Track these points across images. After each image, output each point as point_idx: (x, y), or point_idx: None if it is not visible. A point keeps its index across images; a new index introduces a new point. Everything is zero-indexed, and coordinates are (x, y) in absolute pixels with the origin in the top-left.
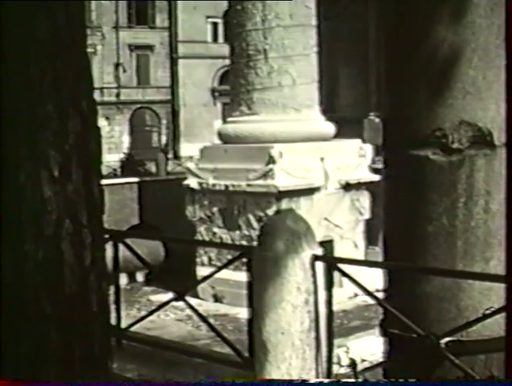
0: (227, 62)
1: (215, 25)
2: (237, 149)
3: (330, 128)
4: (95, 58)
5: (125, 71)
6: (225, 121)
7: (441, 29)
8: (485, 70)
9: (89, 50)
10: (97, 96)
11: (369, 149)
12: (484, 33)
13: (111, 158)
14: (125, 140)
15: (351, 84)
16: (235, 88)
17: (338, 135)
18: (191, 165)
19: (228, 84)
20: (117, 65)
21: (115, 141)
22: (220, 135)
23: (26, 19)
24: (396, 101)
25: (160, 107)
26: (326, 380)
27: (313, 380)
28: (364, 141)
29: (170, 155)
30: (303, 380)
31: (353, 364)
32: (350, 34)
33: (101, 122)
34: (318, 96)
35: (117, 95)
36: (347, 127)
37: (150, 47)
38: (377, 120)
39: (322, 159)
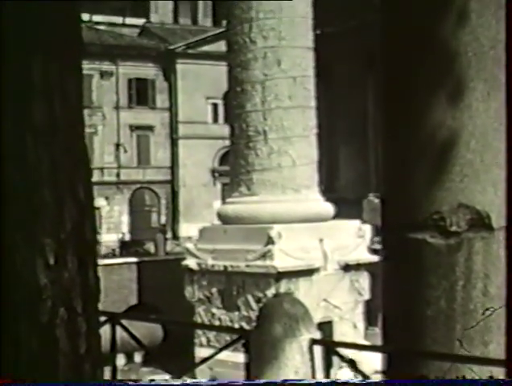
0: (227, 143)
1: (215, 106)
2: (237, 229)
3: (329, 208)
4: (96, 138)
5: (125, 151)
6: (224, 202)
7: (439, 113)
8: (482, 153)
9: (90, 130)
10: (97, 175)
11: (368, 229)
12: (481, 116)
13: (110, 238)
14: (125, 220)
15: (350, 164)
16: (235, 169)
17: (337, 215)
18: (190, 245)
19: (228, 165)
20: (117, 145)
21: (114, 221)
22: (220, 216)
23: (23, 103)
24: (394, 183)
25: (160, 187)
26: (327, 380)
27: (314, 380)
28: (363, 222)
29: (169, 235)
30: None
31: (353, 364)
32: (350, 115)
33: (101, 202)
34: (317, 176)
35: (118, 175)
36: (346, 207)
37: (151, 128)
38: (376, 200)
39: (321, 240)
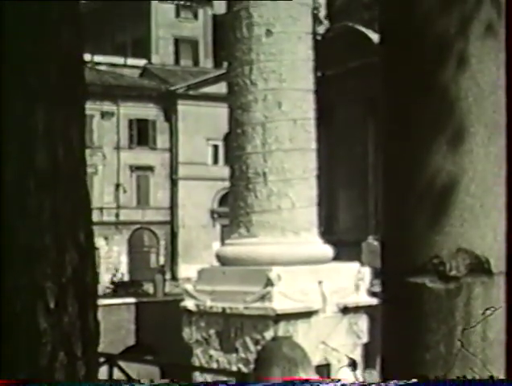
0: (227, 184)
1: (215, 147)
2: (235, 271)
3: (328, 251)
4: (95, 178)
5: (125, 191)
6: (223, 243)
7: (439, 158)
8: (482, 198)
9: (90, 170)
10: (96, 215)
11: (367, 272)
12: (481, 161)
13: (109, 279)
14: (124, 260)
15: (350, 206)
16: (234, 211)
17: (336, 258)
18: (188, 286)
19: (227, 206)
20: (117, 185)
21: (113, 261)
22: (219, 257)
23: (26, 149)
24: (393, 227)
25: (159, 228)
26: (327, 381)
27: (313, 380)
28: (362, 264)
29: (167, 276)
30: (305, 380)
31: (353, 364)
32: (350, 158)
33: (100, 242)
34: (317, 218)
35: (117, 215)
36: (345, 250)
37: (151, 168)
38: (375, 243)
39: (320, 282)
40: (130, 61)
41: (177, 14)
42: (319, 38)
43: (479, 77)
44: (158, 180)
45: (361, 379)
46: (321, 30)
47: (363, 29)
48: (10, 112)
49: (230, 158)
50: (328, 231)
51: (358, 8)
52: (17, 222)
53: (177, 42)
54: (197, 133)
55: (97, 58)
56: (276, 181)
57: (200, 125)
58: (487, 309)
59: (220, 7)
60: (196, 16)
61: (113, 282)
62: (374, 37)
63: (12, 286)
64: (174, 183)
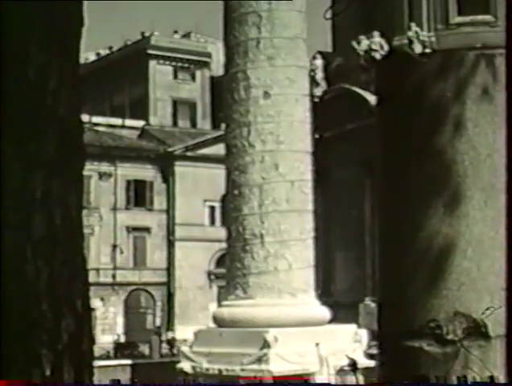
0: (224, 245)
1: (212, 208)
2: (232, 333)
3: (325, 313)
4: (92, 238)
5: (122, 252)
6: (220, 305)
7: (435, 221)
8: (479, 261)
9: (87, 231)
10: (92, 276)
11: (364, 334)
12: (478, 225)
13: (105, 340)
14: (120, 321)
15: (347, 268)
16: (231, 272)
17: (334, 320)
18: (185, 348)
19: (224, 268)
20: (114, 246)
21: (109, 322)
22: (215, 319)
23: (24, 215)
24: (391, 290)
25: (156, 289)
26: (327, 381)
27: (314, 380)
28: (359, 326)
29: (164, 338)
30: (305, 381)
31: (353, 364)
32: (347, 220)
33: (96, 303)
34: (314, 280)
35: (113, 276)
36: (343, 311)
37: (148, 229)
38: (372, 304)
39: (317, 344)
40: (129, 122)
41: (175, 76)
42: (316, 100)
43: (475, 141)
44: (155, 241)
45: (361, 380)
46: (318, 92)
47: (360, 91)
48: (8, 180)
49: (227, 219)
50: (325, 292)
51: (355, 70)
52: (14, 289)
53: (175, 103)
54: (194, 194)
55: (96, 119)
56: (273, 242)
57: (198, 186)
58: (487, 309)
59: (217, 69)
60: (193, 78)
61: (116, 343)
62: (371, 99)
63: (8, 354)
64: (171, 244)
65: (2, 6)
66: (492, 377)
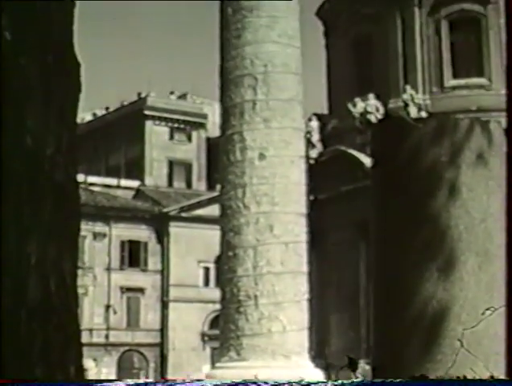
0: (218, 306)
1: (207, 269)
2: None
3: (319, 375)
4: (86, 299)
5: (115, 312)
6: (213, 367)
7: (430, 285)
8: (474, 325)
9: (81, 291)
10: (85, 337)
11: None
12: (472, 289)
13: None
14: None
15: (341, 330)
16: (225, 333)
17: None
18: None
19: (218, 329)
20: (107, 307)
21: None
22: None
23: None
24: (385, 354)
25: (149, 350)
26: (327, 381)
27: (314, 381)
28: None
29: None
30: (304, 380)
31: (353, 364)
32: (341, 281)
33: (89, 364)
34: (308, 342)
35: (107, 336)
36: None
37: (142, 290)
38: (367, 367)
39: None
40: (124, 182)
41: (171, 137)
42: (312, 161)
43: (470, 205)
44: (148, 302)
45: (360, 379)
46: (314, 153)
47: (356, 153)
48: (4, 244)
49: (221, 280)
50: (319, 354)
51: (351, 132)
52: (8, 353)
53: (171, 164)
54: (189, 254)
55: (91, 179)
56: (267, 304)
57: (192, 246)
58: (487, 309)
59: (213, 130)
60: (189, 139)
61: None
62: (367, 161)
63: None
64: (164, 305)
65: (1, 73)
66: (492, 377)
